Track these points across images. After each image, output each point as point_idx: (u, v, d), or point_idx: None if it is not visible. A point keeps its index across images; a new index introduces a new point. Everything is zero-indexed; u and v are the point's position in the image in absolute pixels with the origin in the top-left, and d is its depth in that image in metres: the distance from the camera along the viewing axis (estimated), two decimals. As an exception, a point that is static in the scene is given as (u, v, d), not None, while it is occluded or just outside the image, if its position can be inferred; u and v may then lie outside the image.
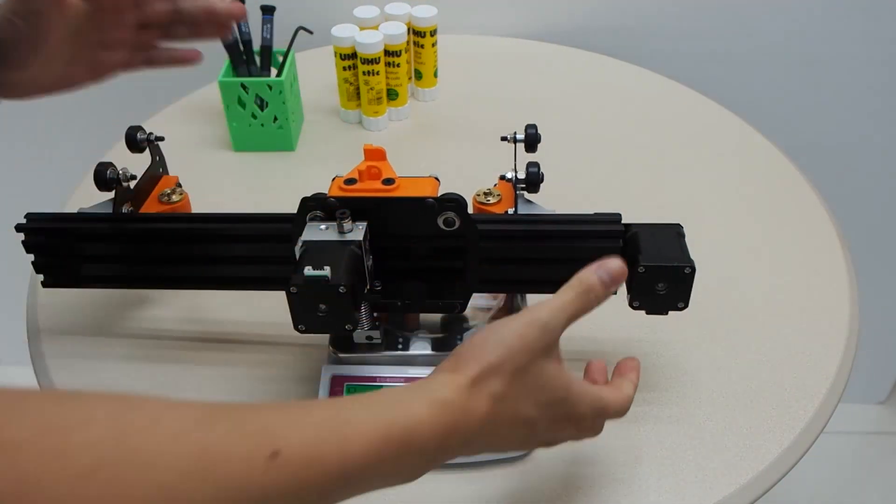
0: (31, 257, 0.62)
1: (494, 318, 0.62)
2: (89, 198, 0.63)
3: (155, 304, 0.71)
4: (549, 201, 0.60)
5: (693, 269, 0.53)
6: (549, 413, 0.43)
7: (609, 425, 0.59)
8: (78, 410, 0.28)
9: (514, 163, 0.62)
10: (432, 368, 0.42)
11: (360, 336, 0.59)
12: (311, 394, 0.62)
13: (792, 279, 0.72)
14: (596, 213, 0.57)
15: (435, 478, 0.56)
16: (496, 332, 0.42)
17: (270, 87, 0.86)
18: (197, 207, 0.73)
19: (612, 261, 0.45)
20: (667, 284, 0.53)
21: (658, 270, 0.53)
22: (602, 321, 0.67)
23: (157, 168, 0.70)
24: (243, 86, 0.86)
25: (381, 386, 0.58)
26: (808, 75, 1.11)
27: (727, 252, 0.75)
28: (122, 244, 0.61)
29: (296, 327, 0.50)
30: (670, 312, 0.55)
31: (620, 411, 0.47)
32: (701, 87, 1.00)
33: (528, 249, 0.56)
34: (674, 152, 0.89)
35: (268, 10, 0.90)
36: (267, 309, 0.69)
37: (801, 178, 0.84)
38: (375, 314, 0.59)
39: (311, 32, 0.88)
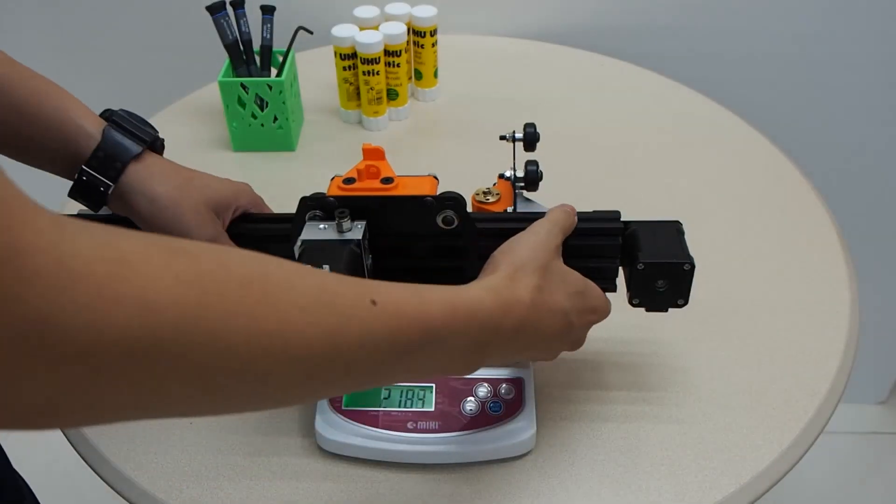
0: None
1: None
2: (89, 197, 0.62)
3: (154, 304, 0.70)
4: (548, 200, 0.60)
5: (693, 266, 0.53)
6: (577, 303, 0.50)
7: (609, 425, 0.59)
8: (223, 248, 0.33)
9: (513, 161, 0.62)
10: None
11: (359, 335, 0.59)
12: (311, 393, 0.62)
13: (792, 279, 0.72)
14: (595, 211, 0.57)
15: (435, 478, 0.57)
16: (516, 240, 0.51)
17: (270, 87, 0.86)
18: (196, 207, 0.73)
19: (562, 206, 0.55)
20: (667, 281, 0.53)
21: (657, 267, 0.53)
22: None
23: (157, 168, 0.70)
24: (243, 86, 0.86)
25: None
26: (808, 75, 1.11)
27: (727, 251, 0.75)
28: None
29: (295, 326, 0.50)
30: (670, 311, 0.55)
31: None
32: (701, 87, 1.00)
33: (528, 248, 0.56)
34: (674, 152, 0.89)
35: (268, 10, 0.90)
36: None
37: (802, 178, 0.84)
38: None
39: (311, 32, 0.88)
